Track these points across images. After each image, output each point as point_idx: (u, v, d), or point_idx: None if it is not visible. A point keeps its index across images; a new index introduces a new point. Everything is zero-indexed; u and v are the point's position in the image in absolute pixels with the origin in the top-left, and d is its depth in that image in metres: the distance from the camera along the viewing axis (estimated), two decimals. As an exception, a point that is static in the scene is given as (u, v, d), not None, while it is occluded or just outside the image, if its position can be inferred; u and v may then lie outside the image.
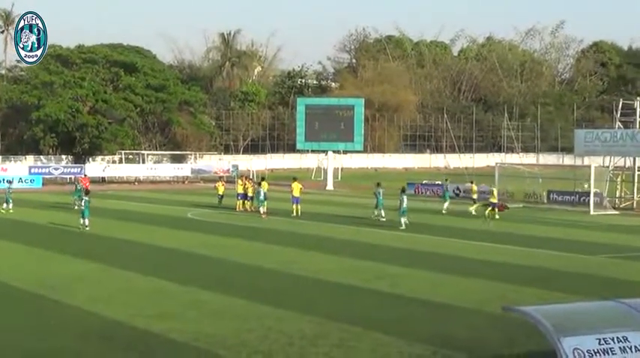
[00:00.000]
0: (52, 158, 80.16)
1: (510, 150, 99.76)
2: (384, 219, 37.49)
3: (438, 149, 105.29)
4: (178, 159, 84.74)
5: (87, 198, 34.21)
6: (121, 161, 79.55)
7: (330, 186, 68.95)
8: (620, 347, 9.84)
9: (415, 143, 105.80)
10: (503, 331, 15.22)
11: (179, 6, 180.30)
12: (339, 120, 69.16)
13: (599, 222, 39.82)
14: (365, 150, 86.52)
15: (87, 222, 33.21)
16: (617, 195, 50.52)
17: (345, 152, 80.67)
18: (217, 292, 19.45)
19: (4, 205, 41.66)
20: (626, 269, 23.93)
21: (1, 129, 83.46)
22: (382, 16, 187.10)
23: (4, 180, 56.64)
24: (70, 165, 77.28)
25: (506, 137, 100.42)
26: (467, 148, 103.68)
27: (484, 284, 20.90)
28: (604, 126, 65.67)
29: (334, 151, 72.36)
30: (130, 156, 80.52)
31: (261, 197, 41.11)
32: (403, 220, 34.98)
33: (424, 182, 63.60)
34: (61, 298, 18.67)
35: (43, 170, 72.91)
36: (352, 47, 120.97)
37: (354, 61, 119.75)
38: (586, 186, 47.79)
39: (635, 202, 49.15)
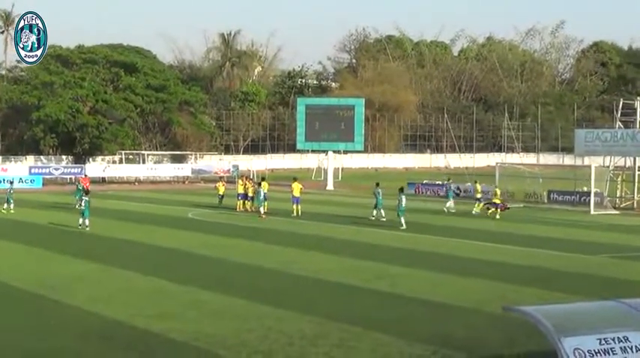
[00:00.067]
0: (53, 158, 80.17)
1: (511, 150, 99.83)
2: (384, 219, 37.49)
3: (438, 149, 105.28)
4: (179, 160, 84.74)
5: (87, 199, 34.21)
6: (121, 161, 79.55)
7: (330, 186, 68.94)
8: (620, 347, 9.83)
9: (415, 143, 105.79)
10: (503, 331, 15.21)
11: (179, 6, 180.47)
12: (339, 120, 69.15)
13: (600, 222, 39.80)
14: (365, 150, 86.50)
15: (87, 222, 33.21)
16: (618, 194, 50.53)
17: (346, 152, 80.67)
18: (217, 292, 19.44)
19: (5, 205, 41.67)
20: (627, 269, 23.92)
21: (1, 129, 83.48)
22: (382, 16, 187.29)
23: (4, 180, 56.75)
24: (70, 165, 77.29)
25: (507, 137, 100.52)
26: (467, 148, 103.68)
27: (484, 284, 20.89)
28: (604, 126, 65.65)
29: (334, 151, 72.33)
30: (131, 157, 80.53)
31: (261, 197, 41.10)
32: (403, 220, 34.99)
33: (424, 182, 63.60)
34: (61, 298, 18.66)
35: (44, 170, 72.89)
36: (352, 47, 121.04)
37: (354, 61, 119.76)
38: (585, 188, 47.76)
39: (635, 202, 49.13)
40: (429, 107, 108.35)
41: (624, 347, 9.83)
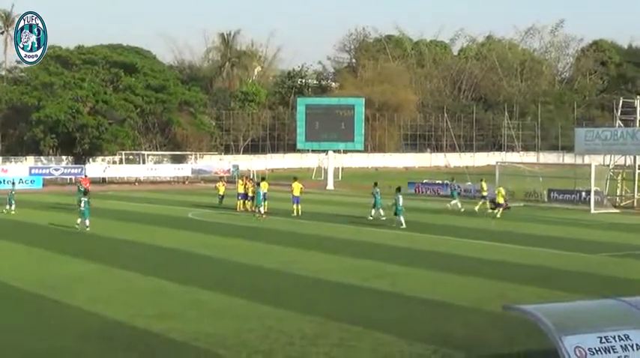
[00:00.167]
0: (53, 159, 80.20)
1: (511, 149, 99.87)
2: (384, 218, 37.51)
3: (438, 148, 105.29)
4: (179, 160, 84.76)
5: (86, 199, 34.21)
6: (121, 161, 79.59)
7: (330, 186, 68.95)
8: (621, 345, 9.82)
9: (415, 142, 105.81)
10: (503, 330, 15.20)
11: (179, 6, 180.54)
12: (339, 120, 69.17)
13: (600, 221, 39.80)
14: (365, 150, 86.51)
15: (87, 222, 33.19)
16: (618, 193, 50.53)
17: (346, 152, 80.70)
18: (217, 292, 19.43)
19: (7, 206, 41.68)
20: (627, 268, 23.90)
21: (1, 130, 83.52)
22: (382, 15, 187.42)
23: (5, 181, 56.77)
24: (70, 165, 77.32)
25: (507, 136, 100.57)
26: (467, 147, 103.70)
27: (484, 283, 20.88)
28: (604, 125, 65.63)
29: (334, 151, 72.36)
30: (131, 157, 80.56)
31: (260, 197, 41.07)
32: (402, 219, 35.02)
33: (425, 181, 63.60)
34: (61, 298, 18.65)
35: (44, 171, 72.91)
36: (352, 47, 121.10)
37: (354, 60, 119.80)
38: (582, 188, 47.69)
39: (635, 201, 49.14)
40: (428, 106, 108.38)
41: (625, 345, 9.82)
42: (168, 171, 79.95)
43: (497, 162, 55.06)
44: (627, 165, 50.86)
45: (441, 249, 27.84)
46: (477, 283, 20.96)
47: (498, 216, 40.57)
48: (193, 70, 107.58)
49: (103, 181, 73.81)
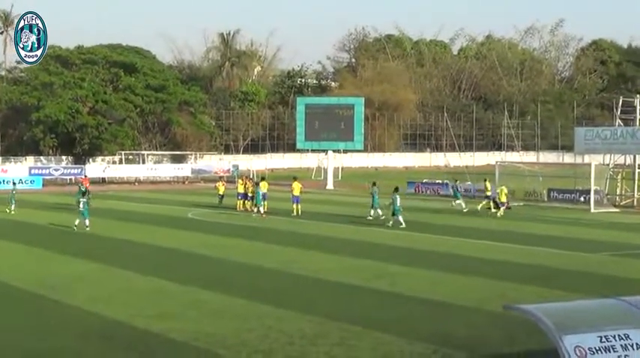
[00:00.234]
0: (52, 159, 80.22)
1: (510, 148, 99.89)
2: (383, 217, 37.54)
3: (438, 148, 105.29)
4: (178, 160, 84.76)
5: (85, 199, 34.21)
6: (121, 161, 79.58)
7: (330, 186, 68.94)
8: (621, 345, 9.81)
9: (415, 142, 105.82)
10: (503, 329, 15.19)
11: (179, 6, 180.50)
12: (339, 120, 69.17)
13: (600, 220, 39.79)
14: (365, 150, 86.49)
15: (87, 222, 33.20)
16: (618, 192, 50.52)
17: (346, 151, 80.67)
18: (217, 292, 19.42)
19: (11, 206, 41.67)
20: (627, 267, 23.89)
21: (1, 130, 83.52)
22: (382, 15, 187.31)
23: (4, 181, 56.75)
24: (70, 165, 77.32)
25: (507, 135, 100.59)
26: (467, 147, 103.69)
27: (484, 283, 20.88)
28: (604, 124, 65.61)
29: (334, 151, 72.34)
30: (130, 157, 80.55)
31: (259, 197, 41.09)
32: (401, 218, 35.03)
33: (424, 181, 63.59)
34: (61, 298, 18.65)
35: (43, 171, 72.91)
36: (352, 46, 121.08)
37: (353, 60, 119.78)
38: (582, 199, 47.50)
39: (635, 200, 49.14)
40: (428, 106, 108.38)
41: (625, 344, 9.82)
42: (168, 171, 79.95)
43: (497, 162, 55.06)
44: (627, 164, 50.83)
45: (440, 249, 27.83)
46: (477, 283, 20.95)
47: (499, 215, 40.58)
48: (193, 69, 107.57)
49: (103, 181, 73.79)
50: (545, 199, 50.13)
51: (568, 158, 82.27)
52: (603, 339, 9.76)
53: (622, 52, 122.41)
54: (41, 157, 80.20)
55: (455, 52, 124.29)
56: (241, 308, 17.50)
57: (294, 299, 18.57)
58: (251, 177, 55.27)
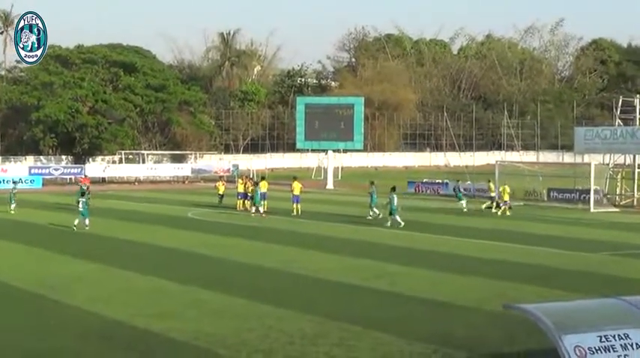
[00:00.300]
0: (52, 158, 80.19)
1: (510, 148, 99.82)
2: (381, 216, 37.58)
3: (438, 147, 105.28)
4: (178, 159, 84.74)
5: (84, 199, 34.22)
6: (121, 161, 79.55)
7: (330, 185, 68.93)
8: (621, 345, 9.81)
9: (415, 141, 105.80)
10: (503, 329, 15.19)
11: (179, 6, 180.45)
12: (338, 119, 69.15)
13: (600, 220, 39.78)
14: (365, 149, 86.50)
15: (87, 221, 33.20)
16: (618, 192, 50.51)
17: (345, 151, 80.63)
18: (217, 291, 19.42)
19: (12, 205, 41.65)
20: (627, 267, 23.90)
21: (0, 129, 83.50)
22: (381, 15, 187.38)
23: (4, 180, 56.70)
24: (70, 165, 77.30)
25: (506, 135, 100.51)
26: (467, 146, 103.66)
27: (484, 282, 20.88)
28: (604, 124, 65.54)
29: (334, 150, 72.33)
30: (130, 156, 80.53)
31: (258, 196, 41.09)
32: (398, 218, 35.04)
33: (424, 180, 63.58)
34: (61, 298, 18.64)
35: (43, 170, 72.89)
36: (352, 46, 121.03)
37: (353, 59, 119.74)
38: (580, 205, 47.36)
39: (635, 199, 49.14)
40: (428, 105, 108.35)
41: (625, 344, 9.82)
42: (167, 170, 79.93)
43: (496, 162, 55.05)
44: (627, 164, 50.84)
45: (440, 249, 27.83)
46: (477, 282, 20.95)
47: (499, 213, 40.61)
48: (193, 69, 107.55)
49: (103, 181, 73.72)
50: (545, 199, 50.15)
51: (568, 158, 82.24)
52: (603, 339, 9.76)
53: (622, 51, 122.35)
54: (41, 157, 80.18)
55: (455, 52, 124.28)
56: (241, 308, 17.50)
57: (294, 299, 18.57)
58: (251, 176, 55.25)
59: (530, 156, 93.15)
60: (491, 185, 44.98)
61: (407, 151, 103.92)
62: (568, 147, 79.76)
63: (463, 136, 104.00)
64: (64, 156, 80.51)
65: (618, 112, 50.78)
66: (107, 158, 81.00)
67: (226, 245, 29.03)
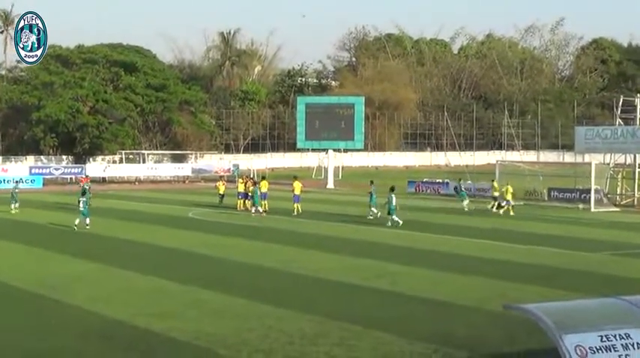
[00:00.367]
0: (53, 158, 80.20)
1: (511, 147, 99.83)
2: (379, 216, 37.59)
3: (438, 147, 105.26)
4: (179, 159, 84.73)
5: (85, 199, 34.21)
6: (121, 161, 79.56)
7: (330, 185, 68.92)
8: (622, 344, 9.81)
9: (416, 141, 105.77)
10: (504, 329, 15.18)
11: (179, 6, 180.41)
12: (339, 119, 69.16)
13: (600, 220, 39.77)
14: (365, 149, 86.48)
15: (87, 221, 33.20)
16: (618, 192, 50.50)
17: (346, 150, 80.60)
18: (218, 291, 19.41)
19: (14, 204, 41.64)
20: (627, 267, 23.89)
21: (1, 129, 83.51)
22: (382, 14, 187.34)
23: (4, 180, 56.69)
24: (70, 165, 77.31)
25: (507, 134, 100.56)
26: (467, 146, 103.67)
27: (484, 282, 20.87)
28: (604, 124, 65.55)
29: (335, 150, 72.32)
30: (131, 156, 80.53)
31: (257, 196, 41.08)
32: (396, 218, 35.03)
33: (425, 180, 63.57)
34: (61, 298, 18.63)
35: (44, 170, 72.87)
36: (352, 46, 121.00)
37: (354, 59, 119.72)
38: (581, 206, 47.32)
39: (635, 199, 49.12)
40: (429, 105, 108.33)
41: (625, 343, 9.81)
42: (168, 170, 79.92)
43: (497, 161, 55.11)
44: (627, 163, 50.84)
45: (441, 248, 27.81)
46: (477, 282, 20.94)
47: (501, 212, 40.64)
48: (193, 69, 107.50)
49: (103, 181, 73.72)
50: (546, 198, 50.14)
51: (568, 157, 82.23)
52: (604, 338, 9.75)
53: (622, 50, 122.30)
54: (41, 157, 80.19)
55: (455, 51, 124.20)
56: (242, 308, 17.49)
57: (294, 299, 18.56)
58: (252, 176, 55.23)
59: (530, 156, 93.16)
60: (496, 184, 44.99)
61: (407, 151, 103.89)
62: (568, 147, 79.75)
63: (463, 136, 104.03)
64: (64, 156, 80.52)
65: (619, 112, 50.79)
66: (108, 158, 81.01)
67: (227, 245, 29.02)
